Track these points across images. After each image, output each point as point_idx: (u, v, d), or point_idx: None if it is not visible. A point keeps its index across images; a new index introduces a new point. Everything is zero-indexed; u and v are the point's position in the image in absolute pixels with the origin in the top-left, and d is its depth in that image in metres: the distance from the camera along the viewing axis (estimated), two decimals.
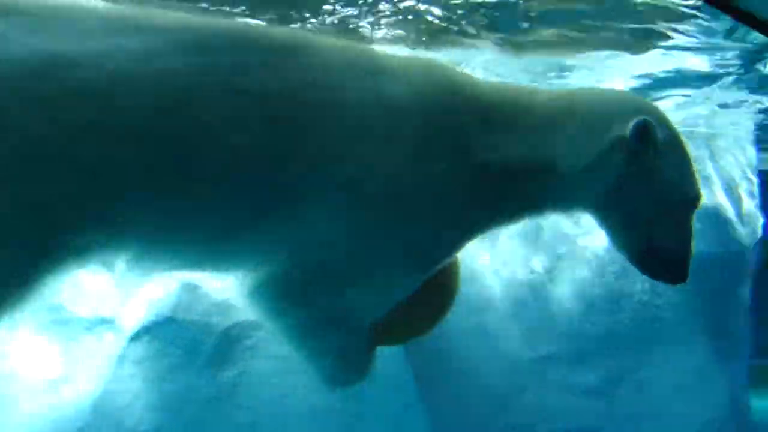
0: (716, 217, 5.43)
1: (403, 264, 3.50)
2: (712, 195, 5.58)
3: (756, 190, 5.89)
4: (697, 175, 3.59)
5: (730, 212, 5.43)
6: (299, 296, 3.38)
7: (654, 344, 5.17)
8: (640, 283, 5.13)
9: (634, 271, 5.18)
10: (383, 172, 3.27)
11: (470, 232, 3.60)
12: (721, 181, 5.81)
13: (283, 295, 3.37)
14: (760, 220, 5.71)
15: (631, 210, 3.47)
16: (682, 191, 3.50)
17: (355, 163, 3.23)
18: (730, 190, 5.76)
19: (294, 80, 3.21)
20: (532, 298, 4.91)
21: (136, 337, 4.47)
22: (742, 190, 5.82)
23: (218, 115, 3.06)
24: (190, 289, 4.56)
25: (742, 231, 5.54)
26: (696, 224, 5.41)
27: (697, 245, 5.31)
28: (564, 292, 5.04)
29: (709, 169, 5.75)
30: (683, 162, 3.56)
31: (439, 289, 3.84)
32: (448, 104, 3.40)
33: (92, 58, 2.97)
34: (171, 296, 4.54)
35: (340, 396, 4.49)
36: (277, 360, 4.54)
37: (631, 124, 3.33)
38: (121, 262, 3.24)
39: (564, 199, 3.56)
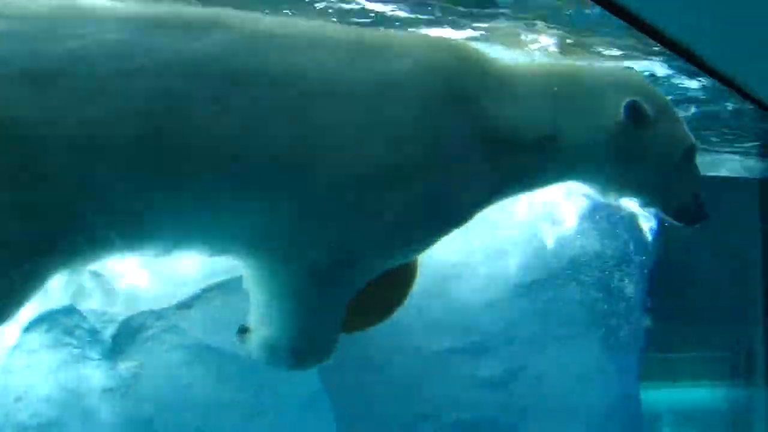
0: (613, 217, 5.63)
1: (413, 231, 3.55)
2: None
3: None
4: (685, 125, 3.82)
5: (626, 213, 5.63)
6: (310, 242, 3.35)
7: (551, 338, 5.32)
8: (538, 278, 5.27)
9: (533, 266, 5.35)
10: (391, 146, 3.31)
11: (484, 198, 3.68)
12: None
13: (295, 237, 3.33)
14: (654, 221, 5.94)
15: (639, 177, 3.73)
16: (679, 147, 3.75)
17: (360, 141, 3.27)
18: None
19: (289, 66, 3.20)
20: (435, 292, 4.98)
21: (32, 326, 4.34)
22: None
23: (214, 103, 3.05)
24: (91, 276, 4.44)
25: (637, 231, 5.76)
26: (595, 224, 5.62)
27: (594, 244, 5.54)
28: (465, 286, 5.13)
29: None
30: (674, 122, 3.80)
31: (393, 281, 3.86)
32: (455, 75, 3.48)
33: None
34: (70, 284, 4.42)
35: (242, 388, 4.47)
36: (178, 351, 4.47)
37: (623, 107, 3.53)
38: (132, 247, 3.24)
39: (570, 171, 3.74)
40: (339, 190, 3.27)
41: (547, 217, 5.44)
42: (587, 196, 5.41)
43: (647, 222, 5.86)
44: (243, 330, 3.68)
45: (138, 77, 2.97)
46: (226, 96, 3.07)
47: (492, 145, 3.50)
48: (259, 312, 3.56)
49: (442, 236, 3.68)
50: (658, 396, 6.74)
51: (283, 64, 3.19)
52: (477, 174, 3.51)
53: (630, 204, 5.33)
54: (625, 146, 3.62)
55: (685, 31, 1.42)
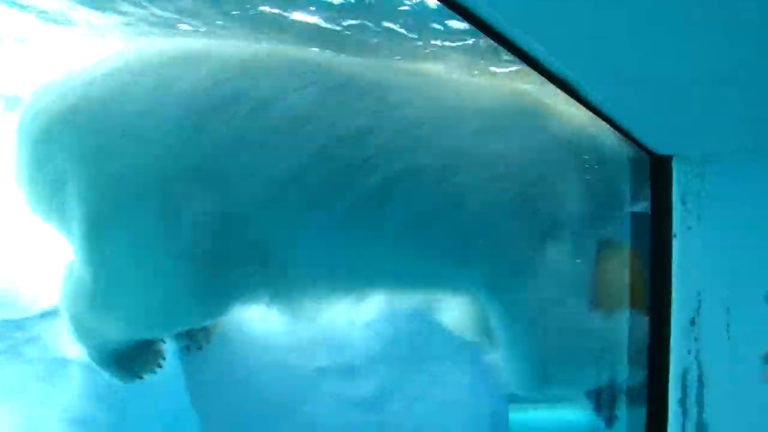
0: None
1: None
2: None
3: None
4: None
5: None
6: None
7: (424, 360, 5.38)
8: (412, 301, 5.32)
9: None
10: None
11: None
12: None
13: None
14: None
15: None
16: None
17: None
18: None
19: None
20: None
21: None
22: None
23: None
24: None
25: None
26: None
27: None
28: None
29: None
30: None
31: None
32: None
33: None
34: None
35: (104, 405, 4.28)
36: (37, 365, 4.25)
37: None
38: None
39: None
40: None
41: None
42: None
43: None
44: None
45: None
46: None
47: None
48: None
49: None
50: (527, 417, 6.90)
51: None
52: None
53: None
54: None
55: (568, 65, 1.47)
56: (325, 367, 5.05)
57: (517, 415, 6.15)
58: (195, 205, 3.30)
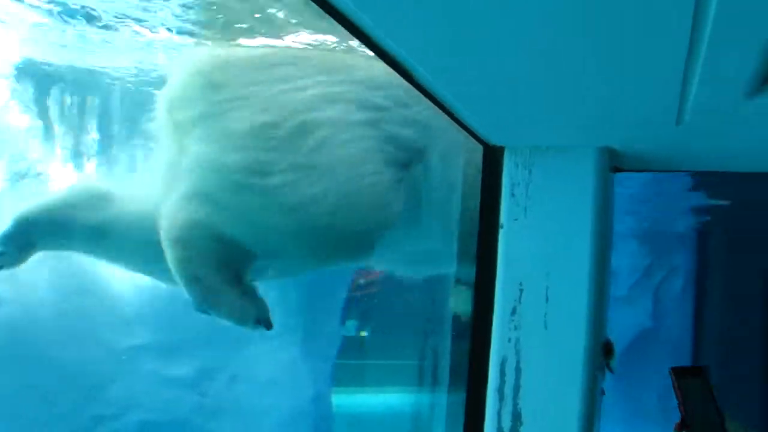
0: None
1: None
2: None
3: None
4: None
5: None
6: None
7: (247, 340, 5.27)
8: None
9: None
10: None
11: None
12: None
13: None
14: None
15: None
16: None
17: None
18: None
19: None
20: (127, 284, 4.69)
21: None
22: None
23: None
24: None
25: None
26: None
27: None
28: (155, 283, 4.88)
29: None
30: None
31: None
32: None
33: None
34: None
35: None
36: None
37: None
38: None
39: None
40: None
41: None
42: None
43: None
44: None
45: None
46: None
47: None
48: None
49: None
50: (351, 400, 6.98)
51: None
52: None
53: None
54: None
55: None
56: (142, 344, 4.82)
57: (341, 398, 6.20)
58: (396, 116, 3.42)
